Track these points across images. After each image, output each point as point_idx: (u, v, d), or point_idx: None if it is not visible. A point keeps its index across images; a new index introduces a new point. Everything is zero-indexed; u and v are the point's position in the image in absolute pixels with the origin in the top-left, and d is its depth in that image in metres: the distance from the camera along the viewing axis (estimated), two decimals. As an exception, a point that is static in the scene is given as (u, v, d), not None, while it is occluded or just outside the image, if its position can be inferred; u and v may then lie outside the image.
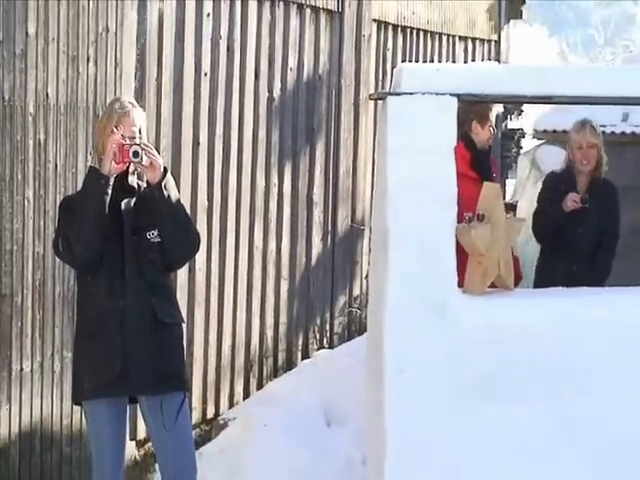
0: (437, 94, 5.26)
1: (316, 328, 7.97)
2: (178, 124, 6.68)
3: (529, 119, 11.38)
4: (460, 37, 9.83)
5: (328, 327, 8.11)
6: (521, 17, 11.02)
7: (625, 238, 7.19)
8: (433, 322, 5.25)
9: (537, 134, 10.56)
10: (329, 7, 7.91)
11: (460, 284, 5.36)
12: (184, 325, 4.93)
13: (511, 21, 10.77)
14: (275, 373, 7.53)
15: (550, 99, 5.61)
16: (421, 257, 5.24)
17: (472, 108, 6.19)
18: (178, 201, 4.65)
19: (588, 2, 75.11)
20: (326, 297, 8.07)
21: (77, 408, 5.23)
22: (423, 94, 5.24)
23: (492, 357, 5.31)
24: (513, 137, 10.86)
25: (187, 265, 6.50)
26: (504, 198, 5.64)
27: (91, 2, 5.87)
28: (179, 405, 4.64)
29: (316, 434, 6.41)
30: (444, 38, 9.59)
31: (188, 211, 6.58)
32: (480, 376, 5.30)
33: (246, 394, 7.30)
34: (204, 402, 6.97)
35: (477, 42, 10.11)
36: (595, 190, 6.74)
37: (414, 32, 9.12)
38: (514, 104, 10.17)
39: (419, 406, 5.24)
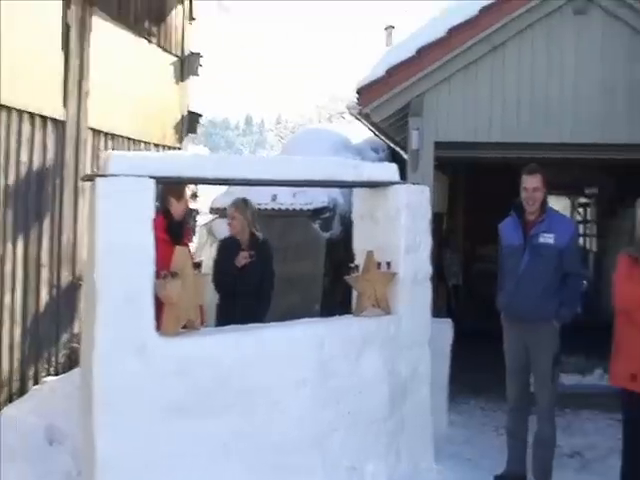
0: (138, 176, 4.20)
1: (44, 360, 6.58)
2: None
3: (206, 200, 10.49)
4: (155, 144, 8.83)
5: (54, 359, 6.75)
6: (195, 132, 10.14)
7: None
8: (135, 359, 4.17)
9: (213, 211, 9.79)
10: (55, 117, 6.70)
11: (158, 327, 4.29)
12: None
13: (189, 134, 9.87)
14: (10, 399, 6.04)
15: (226, 181, 4.70)
16: (124, 306, 4.17)
17: (170, 188, 5.26)
18: None
19: (233, 134, 78.07)
20: (52, 336, 6.72)
21: None
22: (126, 176, 4.17)
23: (182, 384, 4.33)
24: (191, 214, 9.94)
25: None
26: (192, 258, 4.62)
27: None
28: None
29: (40, 453, 5.04)
30: (142, 144, 8.52)
31: None
32: (174, 399, 4.29)
33: (-14, 419, 5.78)
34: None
35: (167, 148, 9.14)
36: (255, 247, 5.90)
37: (121, 139, 8.02)
38: (197, 186, 9.30)
39: (123, 428, 4.13)
